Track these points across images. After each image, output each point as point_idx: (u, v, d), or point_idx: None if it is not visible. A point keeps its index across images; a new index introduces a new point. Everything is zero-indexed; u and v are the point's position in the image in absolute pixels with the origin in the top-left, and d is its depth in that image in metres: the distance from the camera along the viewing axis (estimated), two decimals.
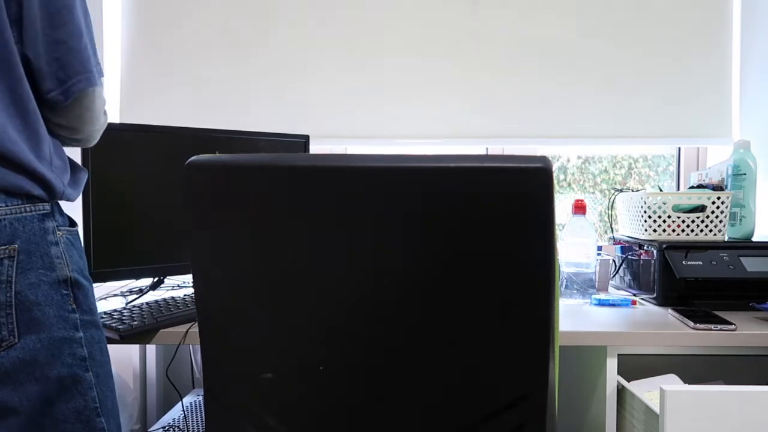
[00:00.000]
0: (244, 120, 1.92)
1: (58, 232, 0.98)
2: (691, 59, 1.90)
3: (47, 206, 0.97)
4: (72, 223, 1.04)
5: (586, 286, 1.48)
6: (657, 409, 1.02)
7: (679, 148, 2.06)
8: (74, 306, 0.97)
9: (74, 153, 1.81)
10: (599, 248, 1.59)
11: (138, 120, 1.93)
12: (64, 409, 0.95)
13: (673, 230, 1.46)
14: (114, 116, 1.95)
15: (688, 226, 1.45)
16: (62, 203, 1.05)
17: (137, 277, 1.41)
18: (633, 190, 1.59)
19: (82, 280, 1.00)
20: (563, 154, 2.12)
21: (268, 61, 1.92)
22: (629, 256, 1.57)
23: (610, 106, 1.90)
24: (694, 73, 1.90)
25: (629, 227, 1.60)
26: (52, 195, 0.98)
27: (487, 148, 2.01)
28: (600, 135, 1.90)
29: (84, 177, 1.08)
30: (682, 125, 1.90)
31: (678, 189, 2.07)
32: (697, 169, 2.03)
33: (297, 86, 1.92)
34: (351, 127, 1.92)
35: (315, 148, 2.03)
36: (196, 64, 1.93)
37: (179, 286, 1.64)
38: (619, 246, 1.64)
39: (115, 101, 1.95)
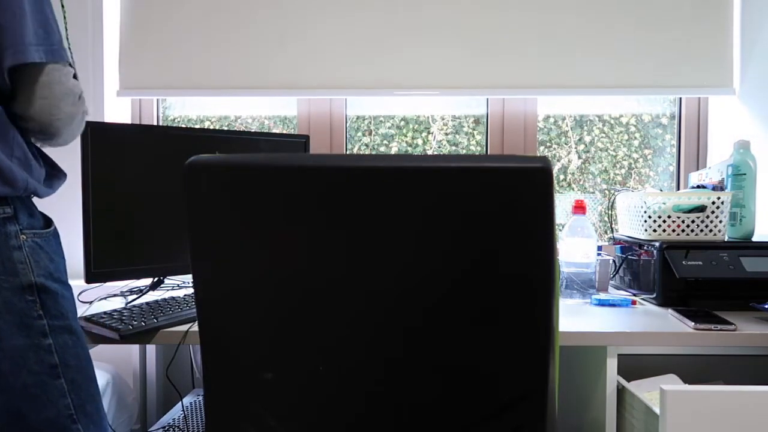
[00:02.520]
0: (243, 73, 1.91)
1: (21, 236, 0.94)
2: (692, 8, 1.89)
3: (8, 209, 0.93)
4: (46, 224, 1.00)
5: (586, 286, 1.48)
6: (657, 409, 1.02)
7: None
8: (41, 312, 0.94)
9: (74, 154, 1.82)
10: (599, 248, 1.59)
11: (138, 80, 1.93)
12: (35, 420, 0.93)
13: (673, 230, 1.46)
14: (113, 78, 1.93)
15: (688, 226, 1.45)
16: (47, 204, 1.03)
17: (137, 277, 1.41)
18: (633, 190, 1.59)
19: (51, 284, 0.96)
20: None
21: (267, 13, 1.91)
22: (629, 256, 1.57)
23: (610, 56, 1.90)
24: (694, 22, 1.89)
25: (629, 227, 1.60)
26: (14, 188, 0.93)
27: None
28: (601, 85, 1.90)
29: (60, 178, 1.04)
30: (683, 75, 1.90)
31: (678, 187, 2.07)
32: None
33: (296, 38, 1.91)
34: (350, 79, 1.91)
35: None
36: (194, 19, 1.91)
37: (179, 286, 1.64)
38: (619, 246, 1.64)
39: (114, 61, 1.94)
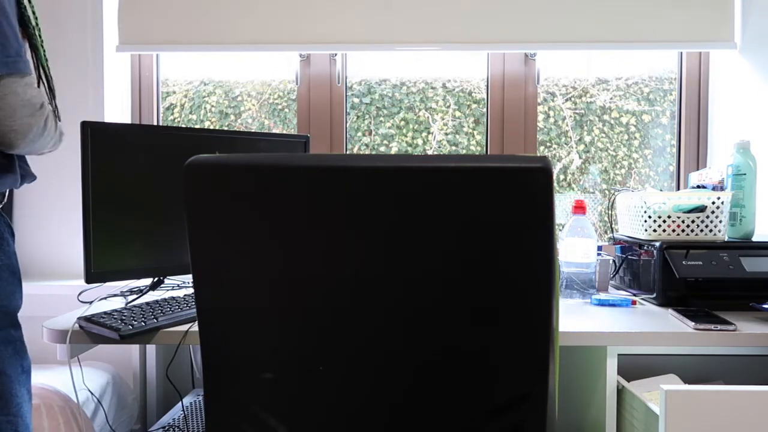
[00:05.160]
0: (242, 28, 1.89)
1: None
2: None
3: None
4: None
5: (586, 286, 1.48)
6: (657, 409, 1.02)
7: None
8: None
9: (74, 154, 1.82)
10: (599, 248, 1.59)
11: (138, 35, 1.90)
12: None
13: (673, 230, 1.45)
14: (112, 32, 1.91)
15: (688, 226, 1.45)
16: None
17: (137, 277, 1.41)
18: (633, 190, 1.59)
19: None
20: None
21: None
22: (629, 256, 1.57)
23: (610, 10, 1.89)
24: None
25: (629, 227, 1.60)
26: None
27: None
28: (600, 40, 1.90)
29: (7, 181, 1.05)
30: (683, 29, 1.89)
31: (678, 187, 2.07)
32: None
33: None
34: (349, 33, 1.90)
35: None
36: None
37: (179, 286, 1.64)
38: (619, 246, 1.64)
39: (114, 16, 1.92)
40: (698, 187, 1.58)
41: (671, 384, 1.08)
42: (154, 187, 1.40)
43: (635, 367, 1.47)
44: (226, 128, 2.09)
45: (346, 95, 2.05)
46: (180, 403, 1.74)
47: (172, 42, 1.91)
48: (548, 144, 2.11)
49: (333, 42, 1.90)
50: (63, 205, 1.87)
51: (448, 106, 2.11)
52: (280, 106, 2.13)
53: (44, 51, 1.09)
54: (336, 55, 2.00)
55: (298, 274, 0.79)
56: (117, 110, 1.96)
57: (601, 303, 1.43)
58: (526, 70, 2.01)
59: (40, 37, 1.08)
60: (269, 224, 0.78)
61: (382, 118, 2.11)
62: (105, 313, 1.23)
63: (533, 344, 0.78)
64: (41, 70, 1.09)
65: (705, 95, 2.03)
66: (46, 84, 1.10)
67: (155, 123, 2.06)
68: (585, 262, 1.48)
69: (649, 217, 1.46)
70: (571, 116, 2.11)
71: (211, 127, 2.12)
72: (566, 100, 2.11)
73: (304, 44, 1.90)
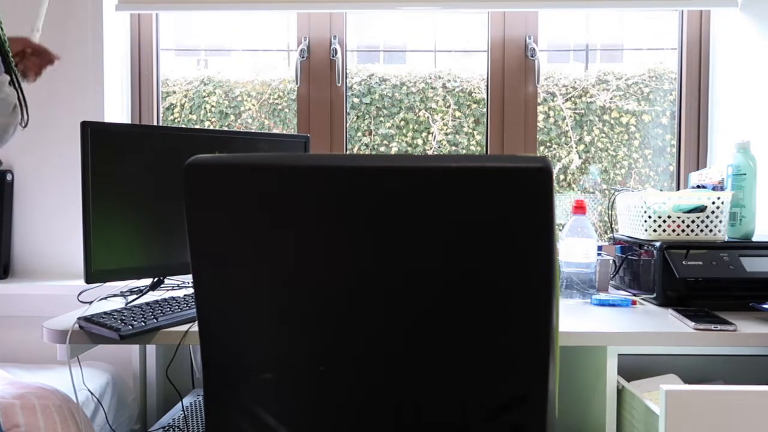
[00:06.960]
0: None
1: None
2: None
3: None
4: None
5: (586, 286, 1.48)
6: (657, 409, 1.02)
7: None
8: None
9: (74, 154, 1.82)
10: (599, 248, 1.59)
11: None
12: None
13: (673, 230, 1.45)
14: None
15: (688, 226, 1.45)
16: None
17: (137, 277, 1.41)
18: (633, 190, 1.59)
19: None
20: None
21: None
22: (629, 256, 1.57)
23: None
24: None
25: (629, 227, 1.60)
26: None
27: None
28: None
29: None
30: None
31: (678, 187, 2.07)
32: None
33: None
34: None
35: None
36: None
37: (179, 286, 1.64)
38: (619, 246, 1.64)
39: None
40: (698, 187, 1.58)
41: (671, 384, 1.08)
42: (154, 187, 1.40)
43: (635, 367, 1.47)
44: (226, 128, 2.09)
45: (346, 95, 2.04)
46: (180, 403, 1.74)
47: (171, 1, 1.88)
48: (548, 144, 2.11)
49: (333, 0, 1.87)
50: (63, 205, 1.87)
51: (448, 106, 2.11)
52: (280, 106, 2.14)
53: (8, 46, 1.04)
54: (337, 54, 1.99)
55: (298, 274, 0.79)
56: (117, 108, 1.96)
57: (601, 303, 1.43)
58: (527, 70, 2.01)
59: (2, 30, 1.03)
60: (269, 224, 0.78)
61: (382, 118, 2.11)
62: (105, 313, 1.22)
63: (533, 344, 0.78)
64: (9, 67, 1.04)
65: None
66: (16, 81, 1.05)
67: (155, 123, 2.06)
68: (585, 262, 1.48)
69: (649, 217, 1.46)
70: (571, 116, 2.11)
71: (211, 127, 2.12)
72: (566, 100, 2.11)
73: (303, 2, 1.87)
